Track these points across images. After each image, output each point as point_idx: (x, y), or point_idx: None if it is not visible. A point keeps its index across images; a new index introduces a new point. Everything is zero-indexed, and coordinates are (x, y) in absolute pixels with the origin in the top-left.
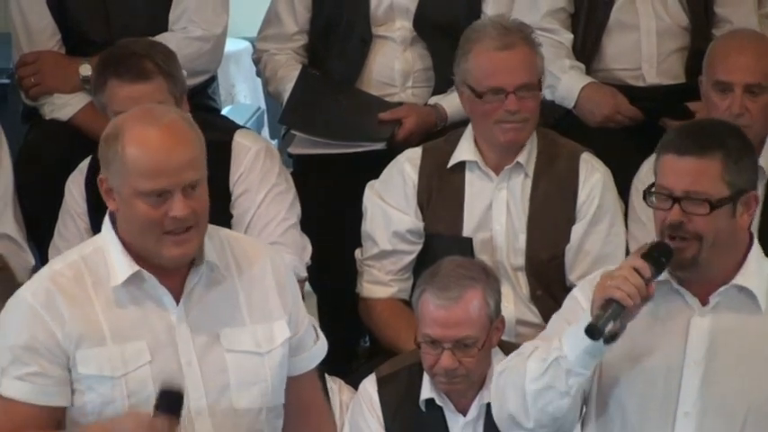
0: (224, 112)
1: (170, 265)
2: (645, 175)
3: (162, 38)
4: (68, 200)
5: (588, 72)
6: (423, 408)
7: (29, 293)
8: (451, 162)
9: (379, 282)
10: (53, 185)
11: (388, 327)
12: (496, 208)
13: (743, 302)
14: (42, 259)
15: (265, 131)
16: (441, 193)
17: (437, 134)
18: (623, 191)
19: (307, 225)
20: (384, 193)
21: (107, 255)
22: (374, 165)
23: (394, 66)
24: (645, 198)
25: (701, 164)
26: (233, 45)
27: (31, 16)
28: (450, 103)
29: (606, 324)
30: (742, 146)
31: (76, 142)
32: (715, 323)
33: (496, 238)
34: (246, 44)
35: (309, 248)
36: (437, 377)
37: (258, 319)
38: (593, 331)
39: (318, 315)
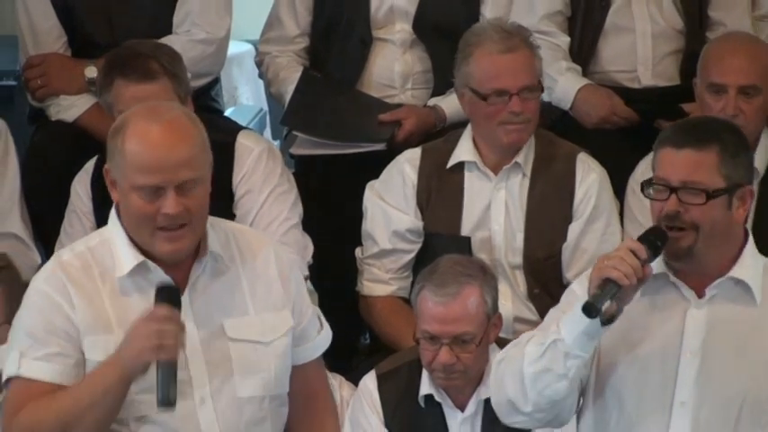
0: (227, 113)
1: (164, 259)
2: (640, 174)
3: (166, 40)
4: (74, 199)
5: (585, 74)
6: (422, 403)
7: (41, 281)
8: (450, 162)
9: (379, 280)
10: (59, 185)
11: (388, 324)
12: (495, 208)
13: (738, 295)
14: (48, 258)
15: (267, 132)
16: (440, 193)
17: (436, 135)
18: (619, 191)
19: (308, 224)
20: (384, 193)
21: (113, 246)
22: (374, 165)
23: (394, 68)
24: (642, 190)
25: (699, 156)
26: (236, 47)
27: (37, 19)
28: (449, 104)
29: (603, 302)
30: (738, 141)
31: (82, 143)
32: (711, 315)
33: (495, 237)
34: (249, 47)
35: (311, 248)
36: (435, 373)
37: (262, 309)
38: (590, 309)
39: None
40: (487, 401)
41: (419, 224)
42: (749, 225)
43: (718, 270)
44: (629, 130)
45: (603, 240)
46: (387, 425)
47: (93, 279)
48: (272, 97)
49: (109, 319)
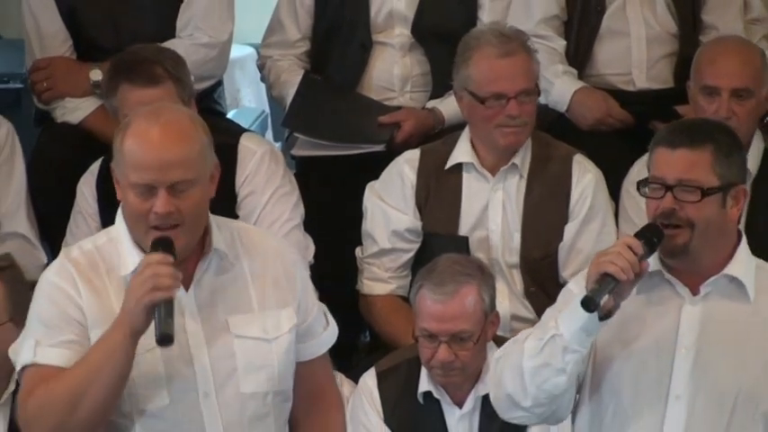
0: (229, 115)
1: None
2: (635, 175)
3: (170, 44)
4: (80, 200)
5: (580, 77)
6: (421, 400)
7: (52, 273)
8: (449, 164)
9: (379, 279)
10: (65, 186)
11: (388, 322)
12: (492, 208)
13: (733, 292)
14: (54, 258)
15: (269, 134)
16: (438, 194)
17: (435, 137)
18: (614, 192)
19: (309, 224)
20: (383, 194)
21: (119, 245)
22: (374, 166)
23: (393, 71)
24: (639, 189)
25: (693, 155)
26: (238, 51)
27: (43, 23)
28: (448, 106)
29: (601, 296)
30: (731, 141)
31: (87, 144)
32: (706, 311)
33: (492, 237)
34: (251, 50)
35: (312, 248)
36: (434, 370)
37: (266, 306)
38: (588, 303)
39: None
40: (485, 398)
41: (418, 224)
42: (742, 226)
43: (712, 268)
44: (624, 132)
45: (599, 240)
46: (386, 422)
47: (100, 276)
48: (274, 100)
49: (115, 315)
